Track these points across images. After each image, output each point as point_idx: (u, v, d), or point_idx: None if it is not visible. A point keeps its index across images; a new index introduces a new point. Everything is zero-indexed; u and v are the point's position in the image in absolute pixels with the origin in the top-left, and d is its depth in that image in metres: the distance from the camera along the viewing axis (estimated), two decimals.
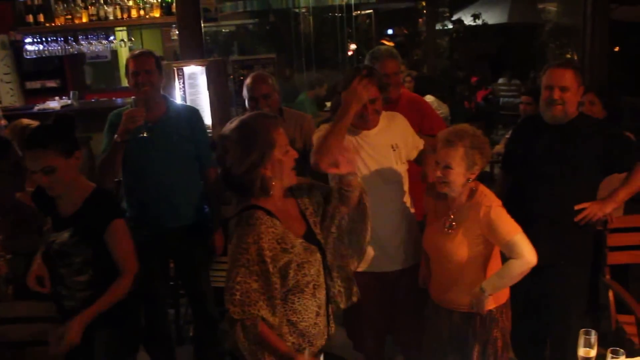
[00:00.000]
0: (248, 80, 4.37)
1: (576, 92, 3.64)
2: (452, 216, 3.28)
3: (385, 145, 3.67)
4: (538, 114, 3.82)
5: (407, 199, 3.79)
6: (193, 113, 4.34)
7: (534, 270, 3.21)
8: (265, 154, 2.57)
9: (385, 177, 3.65)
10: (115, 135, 3.86)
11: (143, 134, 3.91)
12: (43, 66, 9.48)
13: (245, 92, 4.37)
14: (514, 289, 3.34)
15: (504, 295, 3.35)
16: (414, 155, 3.79)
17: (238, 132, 2.60)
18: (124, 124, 3.82)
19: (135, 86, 4.01)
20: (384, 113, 3.75)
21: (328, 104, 8.27)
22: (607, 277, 4.17)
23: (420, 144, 3.80)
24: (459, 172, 3.16)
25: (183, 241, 4.19)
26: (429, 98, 8.83)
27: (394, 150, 3.67)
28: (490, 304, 3.26)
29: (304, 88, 10.19)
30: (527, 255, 3.14)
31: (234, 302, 2.49)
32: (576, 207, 3.64)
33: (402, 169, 3.71)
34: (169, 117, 4.12)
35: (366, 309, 3.57)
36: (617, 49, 11.36)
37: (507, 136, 4.41)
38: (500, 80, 14.36)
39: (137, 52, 4.16)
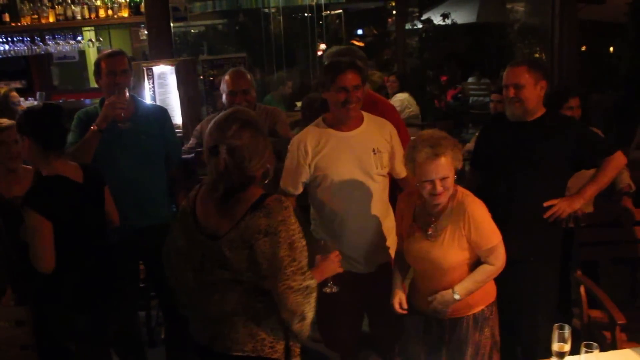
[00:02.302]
0: (227, 76, 4.40)
1: (533, 89, 3.64)
2: (433, 221, 3.22)
3: (365, 148, 3.65)
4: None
5: (384, 205, 3.75)
6: (161, 112, 4.33)
7: (504, 267, 3.22)
8: (269, 147, 2.64)
9: (362, 179, 3.63)
10: (93, 125, 3.85)
11: (126, 126, 3.88)
12: (9, 66, 9.36)
13: (223, 87, 4.40)
14: None
15: (493, 293, 3.34)
16: (403, 172, 3.71)
17: (249, 134, 2.55)
18: (105, 110, 3.82)
19: (111, 86, 3.95)
20: (372, 117, 3.76)
21: (298, 103, 8.26)
22: (579, 272, 4.20)
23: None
24: (452, 177, 3.10)
25: (152, 242, 4.11)
26: (402, 95, 8.86)
27: (375, 154, 3.65)
28: (482, 303, 3.27)
29: (273, 87, 10.19)
30: (502, 263, 3.19)
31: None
32: (545, 204, 3.66)
33: (381, 173, 3.69)
34: (138, 117, 4.10)
35: (339, 304, 3.56)
36: (584, 48, 11.51)
37: (478, 134, 4.41)
38: (470, 79, 14.43)
39: (110, 51, 4.12)
